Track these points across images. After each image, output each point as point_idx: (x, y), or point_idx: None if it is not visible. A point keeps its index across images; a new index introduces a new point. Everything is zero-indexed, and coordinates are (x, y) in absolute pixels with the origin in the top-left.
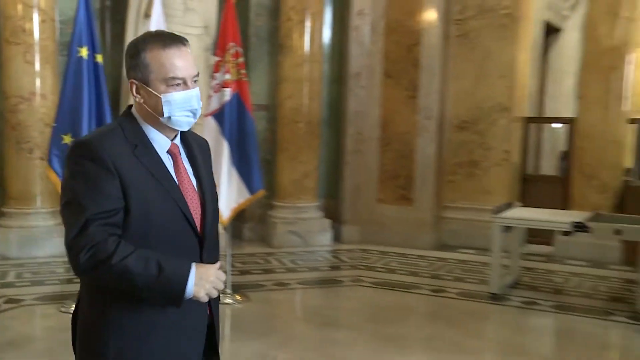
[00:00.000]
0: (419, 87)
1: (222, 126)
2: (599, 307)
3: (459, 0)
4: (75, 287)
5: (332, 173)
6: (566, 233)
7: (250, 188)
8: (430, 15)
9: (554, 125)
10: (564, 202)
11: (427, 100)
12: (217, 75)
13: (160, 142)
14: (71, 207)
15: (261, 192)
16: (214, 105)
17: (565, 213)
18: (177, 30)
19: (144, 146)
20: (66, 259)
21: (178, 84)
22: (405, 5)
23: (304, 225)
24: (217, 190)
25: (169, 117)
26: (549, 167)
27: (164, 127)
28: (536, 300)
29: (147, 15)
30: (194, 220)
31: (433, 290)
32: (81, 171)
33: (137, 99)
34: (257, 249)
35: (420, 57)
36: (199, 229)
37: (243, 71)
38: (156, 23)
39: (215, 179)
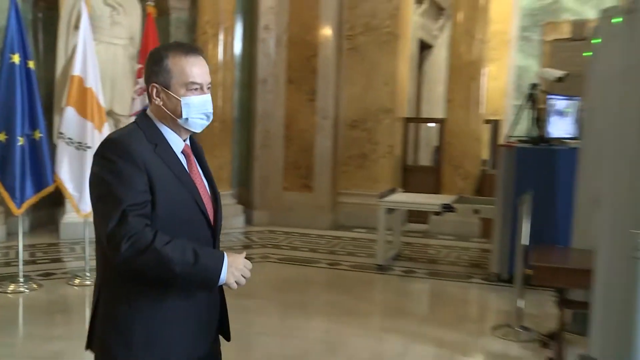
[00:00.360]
0: (317, 92)
1: None
2: (462, 272)
3: (349, 20)
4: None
5: (243, 165)
6: (437, 213)
7: None
8: (326, 31)
9: (429, 124)
10: (436, 188)
11: (324, 103)
12: (140, 80)
13: (176, 143)
14: (106, 199)
15: None
16: (138, 106)
17: (437, 197)
18: (105, 41)
19: (164, 146)
20: None
21: (196, 89)
22: (304, 22)
23: None
24: None
25: (187, 119)
26: (425, 159)
27: (179, 128)
28: (414, 269)
29: (77, 27)
30: (208, 215)
31: (330, 264)
32: (114, 167)
33: (156, 102)
34: None
35: (318, 66)
36: (212, 222)
37: None
38: (83, 34)
39: None
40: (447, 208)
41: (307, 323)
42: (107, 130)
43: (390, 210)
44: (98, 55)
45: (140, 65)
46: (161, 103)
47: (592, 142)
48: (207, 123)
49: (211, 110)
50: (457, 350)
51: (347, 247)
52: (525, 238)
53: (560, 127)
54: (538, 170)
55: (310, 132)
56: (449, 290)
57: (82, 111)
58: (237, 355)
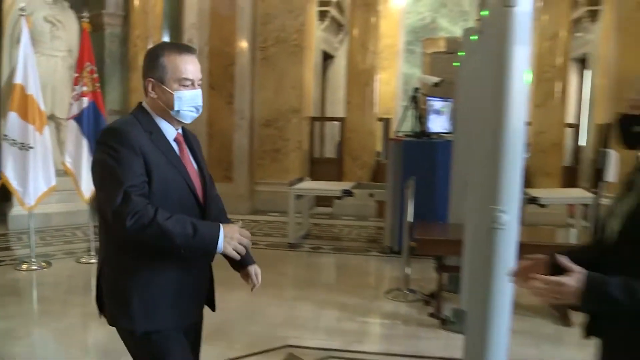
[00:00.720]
0: (234, 96)
1: (81, 127)
2: (361, 247)
3: (262, 33)
4: None
5: None
6: (339, 197)
7: None
8: (242, 43)
9: (332, 122)
10: (339, 176)
11: (241, 106)
12: (76, 87)
13: (169, 132)
14: (109, 182)
15: None
16: (75, 110)
17: (339, 184)
18: (46, 53)
19: (158, 134)
20: None
21: (187, 84)
22: (223, 36)
23: None
24: (79, 177)
25: (178, 111)
26: (330, 152)
27: (172, 119)
28: (321, 246)
29: (19, 41)
30: (198, 194)
31: None
32: (115, 153)
33: (151, 95)
34: None
35: (235, 74)
36: (202, 201)
37: (97, 84)
38: (24, 47)
39: (77, 168)
40: (347, 193)
41: (229, 295)
42: (47, 132)
43: (299, 196)
44: (40, 66)
45: (77, 74)
46: (156, 96)
47: (461, 135)
48: (196, 115)
49: (201, 104)
50: (357, 312)
51: (264, 229)
52: (410, 216)
53: (438, 124)
54: (420, 160)
55: (229, 131)
56: (350, 262)
57: (24, 115)
58: None
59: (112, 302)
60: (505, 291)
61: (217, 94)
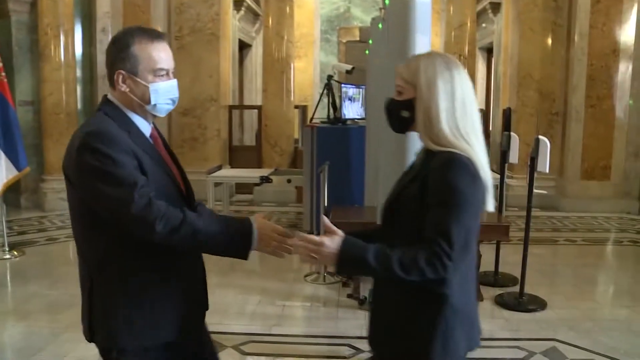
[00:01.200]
0: None
1: None
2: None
3: (177, 22)
4: None
5: None
6: (257, 184)
7: (17, 166)
8: None
9: (250, 110)
10: (259, 163)
11: None
12: None
13: (144, 127)
14: (115, 186)
15: (27, 169)
16: None
17: (257, 170)
18: None
19: (135, 132)
20: None
21: (162, 75)
22: (138, 24)
23: None
24: None
25: (155, 105)
26: (249, 139)
27: (146, 113)
28: None
29: None
30: (182, 188)
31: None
32: (109, 156)
33: (122, 89)
34: (32, 214)
35: None
36: (187, 200)
37: (3, 74)
38: None
39: None
40: (265, 179)
41: None
42: None
43: (217, 184)
44: None
45: None
46: (127, 90)
47: (373, 121)
48: (172, 107)
49: (177, 95)
50: (278, 296)
51: None
52: (325, 200)
53: (352, 110)
54: (335, 145)
55: None
56: None
57: None
58: None
59: (111, 322)
60: None
61: None
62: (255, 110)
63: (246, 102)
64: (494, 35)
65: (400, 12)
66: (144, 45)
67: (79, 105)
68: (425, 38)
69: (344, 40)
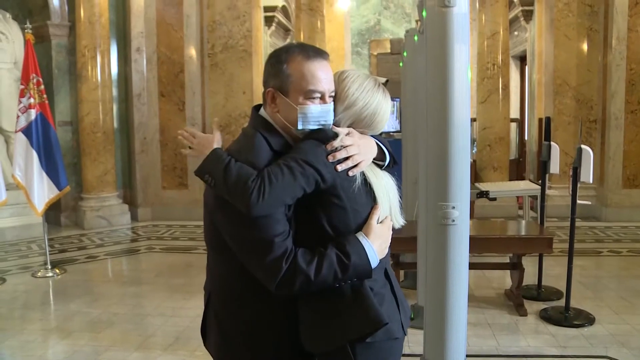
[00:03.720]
0: (185, 102)
1: (30, 139)
2: None
3: (210, 40)
4: None
5: (125, 169)
6: None
7: (58, 186)
8: (191, 51)
9: None
10: None
11: (192, 112)
12: (23, 100)
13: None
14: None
15: (67, 189)
16: (22, 123)
17: None
18: None
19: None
20: None
21: (315, 97)
22: (171, 44)
23: (107, 210)
24: (31, 190)
25: (302, 130)
26: None
27: (293, 135)
28: None
29: None
30: None
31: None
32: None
33: (271, 108)
34: (72, 232)
35: (185, 81)
36: None
37: (44, 96)
38: None
39: (28, 181)
40: None
41: (187, 303)
42: None
43: None
44: None
45: (23, 86)
46: (276, 109)
47: (409, 134)
48: None
49: (331, 122)
50: None
51: None
52: None
53: (387, 123)
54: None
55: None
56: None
57: None
58: (125, 335)
59: (230, 336)
60: (460, 285)
61: (168, 101)
62: None
63: None
64: (527, 43)
65: (439, 23)
66: (297, 63)
67: (115, 124)
68: (465, 48)
69: (375, 53)
